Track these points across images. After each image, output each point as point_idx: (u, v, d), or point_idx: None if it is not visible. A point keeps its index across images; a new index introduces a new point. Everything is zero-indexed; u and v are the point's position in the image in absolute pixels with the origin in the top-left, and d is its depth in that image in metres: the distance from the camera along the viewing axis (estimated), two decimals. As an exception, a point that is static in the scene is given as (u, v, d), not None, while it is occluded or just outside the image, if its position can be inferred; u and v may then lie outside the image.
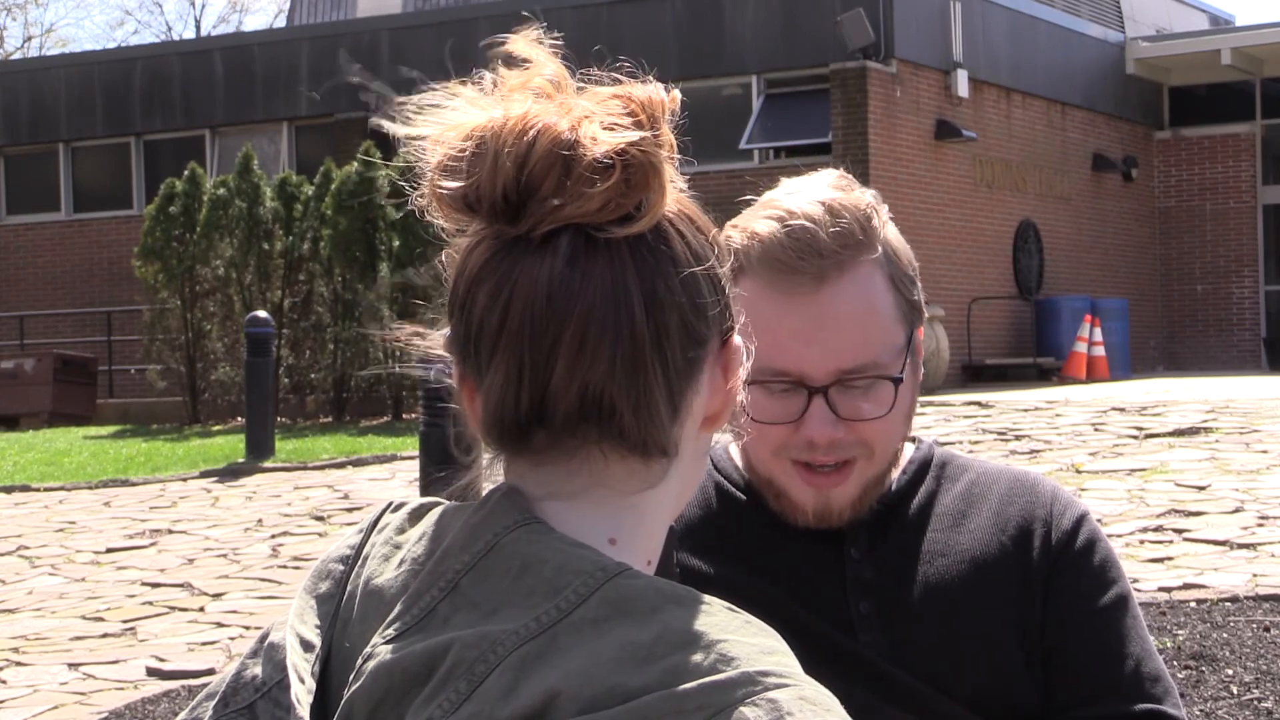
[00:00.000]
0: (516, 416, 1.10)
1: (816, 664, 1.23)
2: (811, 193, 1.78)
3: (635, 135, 1.08)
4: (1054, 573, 1.83)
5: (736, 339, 1.17)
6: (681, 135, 1.13)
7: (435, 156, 1.11)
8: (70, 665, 6.78)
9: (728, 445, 1.91)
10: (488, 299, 1.09)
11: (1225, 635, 5.88)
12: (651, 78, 1.14)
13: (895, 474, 1.87)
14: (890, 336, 1.76)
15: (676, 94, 1.13)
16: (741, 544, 1.84)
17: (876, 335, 1.75)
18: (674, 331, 1.10)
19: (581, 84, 1.13)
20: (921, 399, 15.89)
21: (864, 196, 1.79)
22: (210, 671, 6.40)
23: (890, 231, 1.80)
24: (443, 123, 1.12)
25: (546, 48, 1.13)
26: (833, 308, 1.73)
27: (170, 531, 10.23)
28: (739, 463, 1.89)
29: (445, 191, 1.10)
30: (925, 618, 1.79)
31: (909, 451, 1.91)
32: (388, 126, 1.14)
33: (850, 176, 1.83)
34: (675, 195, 1.13)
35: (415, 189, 1.14)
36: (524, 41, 1.13)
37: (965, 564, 1.82)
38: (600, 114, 1.09)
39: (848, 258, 1.74)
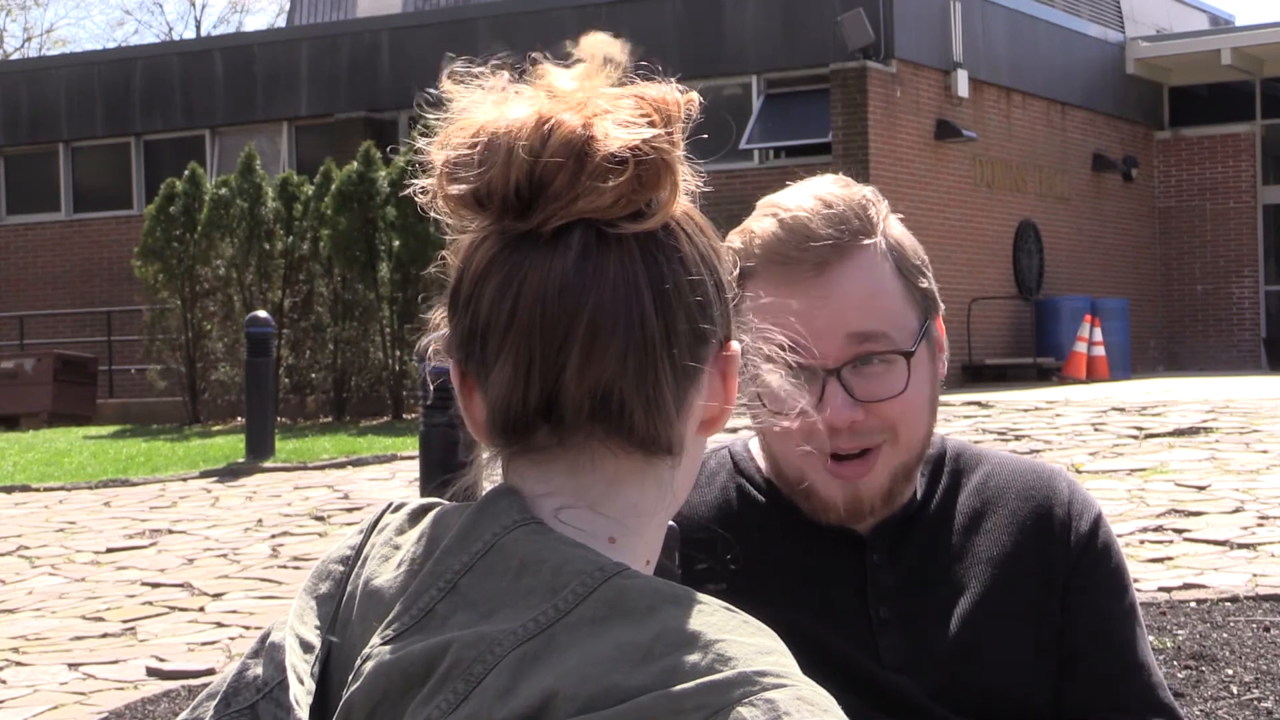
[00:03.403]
0: (524, 412, 1.09)
1: (824, 672, 1.22)
2: (806, 189, 1.80)
3: (649, 133, 1.08)
4: (1072, 576, 1.82)
5: (735, 345, 1.17)
6: (694, 136, 1.13)
7: (446, 151, 1.11)
8: (70, 665, 6.77)
9: (747, 443, 1.90)
10: (496, 293, 1.08)
11: (1225, 635, 5.88)
12: (671, 79, 1.14)
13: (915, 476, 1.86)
14: (900, 317, 1.76)
15: (695, 96, 1.13)
16: (761, 548, 1.82)
17: (884, 312, 1.75)
18: (681, 329, 1.10)
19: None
20: (921, 399, 15.88)
21: (862, 191, 1.80)
22: (210, 671, 6.40)
23: (893, 224, 1.81)
24: (455, 119, 1.11)
25: (616, 49, 1.13)
26: (837, 289, 1.74)
27: (170, 531, 10.23)
28: (761, 465, 1.87)
29: (457, 186, 1.09)
30: (943, 622, 1.79)
31: None
32: (428, 113, 1.13)
33: (849, 179, 1.84)
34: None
35: (419, 185, 1.13)
36: (597, 40, 1.13)
37: (982, 566, 1.82)
38: (614, 111, 1.09)
39: (845, 242, 1.75)
